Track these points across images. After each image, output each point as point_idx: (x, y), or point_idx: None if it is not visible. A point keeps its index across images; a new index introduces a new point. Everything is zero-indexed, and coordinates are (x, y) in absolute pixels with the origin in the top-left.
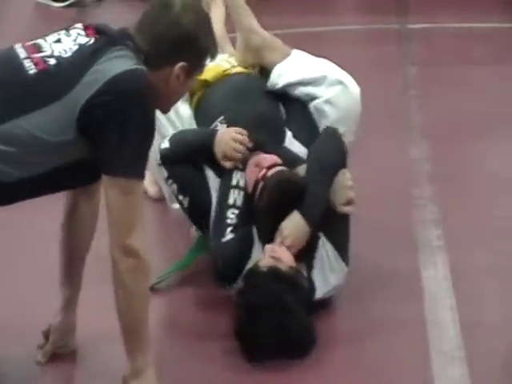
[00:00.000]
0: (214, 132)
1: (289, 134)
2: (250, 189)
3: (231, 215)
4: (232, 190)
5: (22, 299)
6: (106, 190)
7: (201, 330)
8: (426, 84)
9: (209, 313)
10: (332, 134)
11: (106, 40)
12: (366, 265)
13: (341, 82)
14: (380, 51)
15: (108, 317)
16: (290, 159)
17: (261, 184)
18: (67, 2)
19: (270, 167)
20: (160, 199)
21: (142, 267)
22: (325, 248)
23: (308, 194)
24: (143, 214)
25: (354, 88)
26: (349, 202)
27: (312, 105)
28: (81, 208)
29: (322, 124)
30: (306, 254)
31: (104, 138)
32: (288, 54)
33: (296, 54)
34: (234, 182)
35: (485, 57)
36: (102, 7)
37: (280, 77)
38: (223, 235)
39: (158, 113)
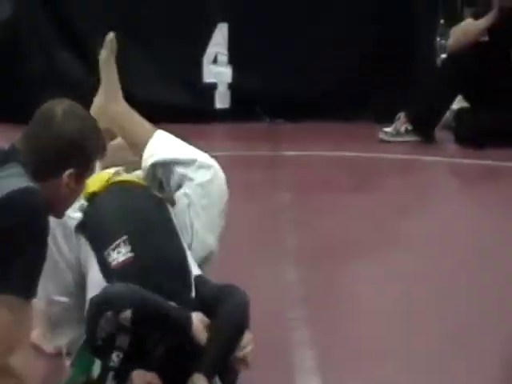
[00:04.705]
0: (189, 316)
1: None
2: None
3: (115, 358)
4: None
5: None
6: None
7: None
8: (297, 209)
9: None
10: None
11: None
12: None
13: (210, 166)
14: (253, 177)
15: None
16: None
17: None
18: None
19: None
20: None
21: None
22: None
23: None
24: (29, 333)
25: (221, 174)
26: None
27: (181, 192)
28: None
29: (191, 211)
30: None
31: None
32: (150, 131)
33: (161, 133)
34: (117, 343)
35: (350, 184)
36: None
37: (152, 157)
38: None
39: None
